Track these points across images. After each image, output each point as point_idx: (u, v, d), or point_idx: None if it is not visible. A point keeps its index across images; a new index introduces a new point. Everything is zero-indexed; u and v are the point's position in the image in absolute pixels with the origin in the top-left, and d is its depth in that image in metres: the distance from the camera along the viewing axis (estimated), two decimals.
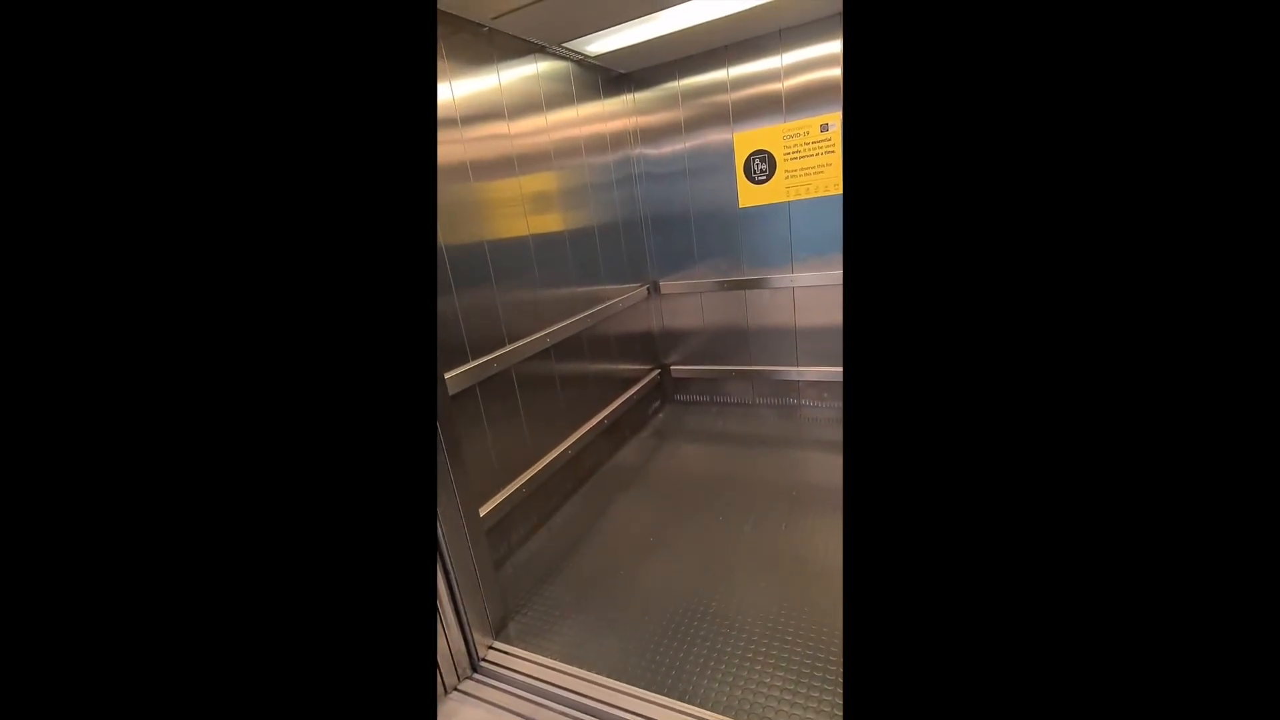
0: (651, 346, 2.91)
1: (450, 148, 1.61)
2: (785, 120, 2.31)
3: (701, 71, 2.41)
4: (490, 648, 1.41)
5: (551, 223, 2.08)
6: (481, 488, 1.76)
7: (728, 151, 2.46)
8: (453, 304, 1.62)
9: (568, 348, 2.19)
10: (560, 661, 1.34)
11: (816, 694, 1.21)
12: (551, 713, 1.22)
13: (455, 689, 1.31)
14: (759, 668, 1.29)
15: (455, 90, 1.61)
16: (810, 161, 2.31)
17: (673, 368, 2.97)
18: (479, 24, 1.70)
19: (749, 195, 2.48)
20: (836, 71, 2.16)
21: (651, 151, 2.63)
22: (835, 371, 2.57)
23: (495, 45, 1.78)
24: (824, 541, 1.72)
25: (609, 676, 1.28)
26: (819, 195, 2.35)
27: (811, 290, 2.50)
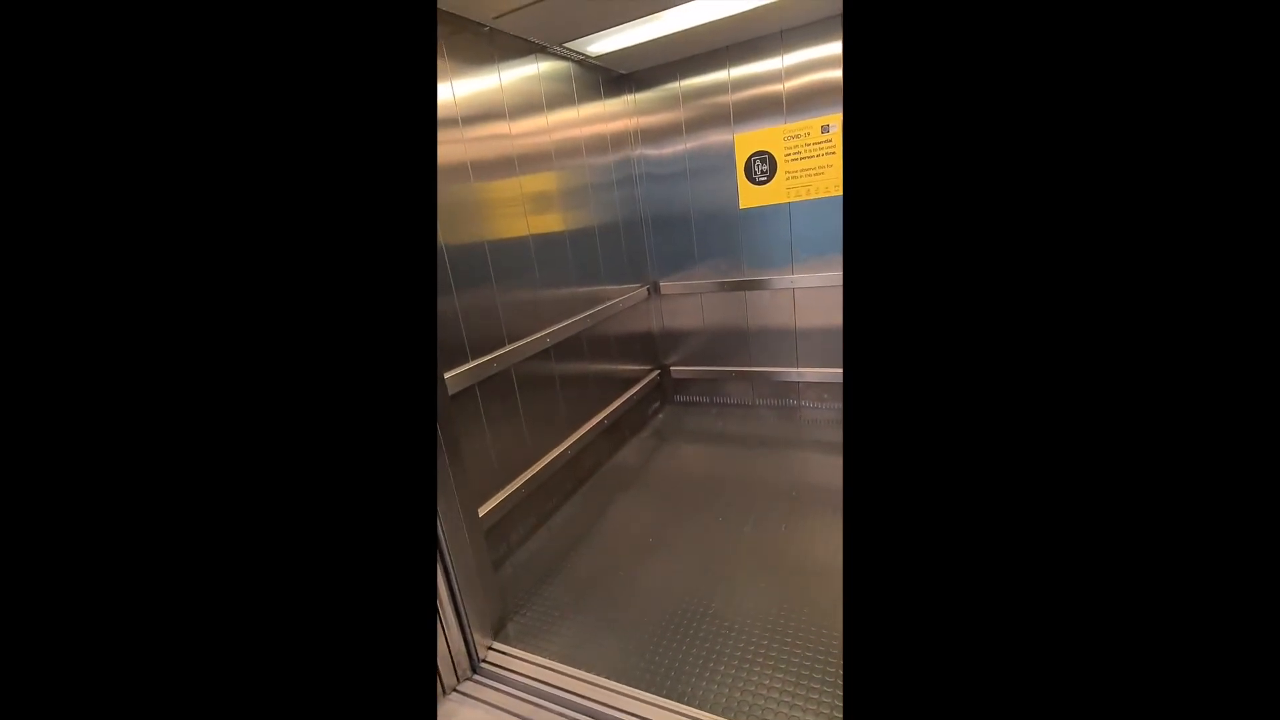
0: (651, 347, 2.91)
1: (451, 147, 1.61)
2: (786, 121, 2.31)
3: (703, 72, 2.41)
4: (490, 648, 1.40)
5: (552, 223, 2.08)
6: (480, 488, 1.75)
7: (728, 152, 2.46)
8: (453, 304, 1.62)
9: (568, 348, 2.18)
10: (559, 662, 1.34)
11: (816, 695, 1.21)
12: (552, 714, 1.22)
13: (455, 689, 1.31)
14: (758, 669, 1.29)
15: (456, 90, 1.61)
16: (811, 163, 2.31)
17: (673, 368, 2.97)
18: (480, 24, 1.70)
19: (750, 196, 2.48)
20: (838, 73, 2.16)
21: (652, 152, 2.63)
22: (835, 373, 2.57)
23: (496, 45, 1.78)
24: (824, 542, 1.71)
25: (608, 677, 1.28)
26: (820, 196, 2.35)
27: (812, 291, 2.50)
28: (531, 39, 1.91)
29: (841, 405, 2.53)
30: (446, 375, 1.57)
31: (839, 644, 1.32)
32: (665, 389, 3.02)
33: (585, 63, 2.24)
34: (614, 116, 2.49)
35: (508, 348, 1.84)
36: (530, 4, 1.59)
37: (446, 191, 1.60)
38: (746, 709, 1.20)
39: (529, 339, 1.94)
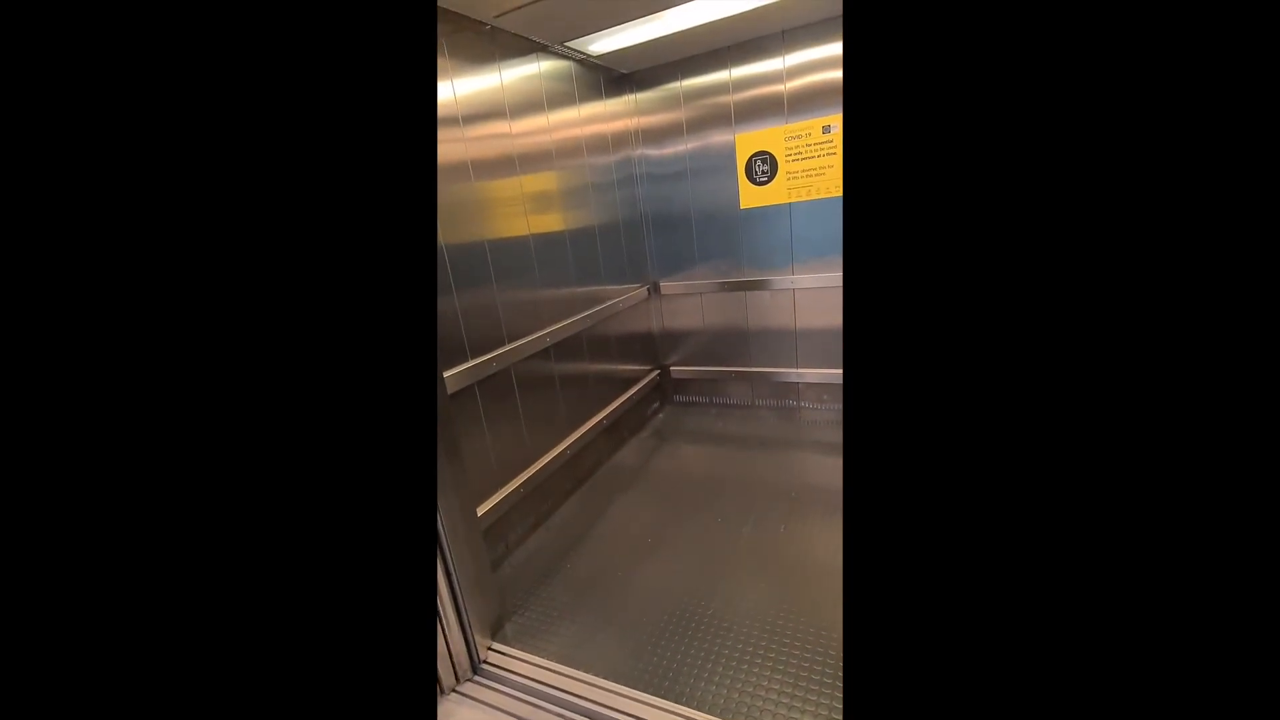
0: (651, 347, 2.91)
1: (451, 146, 1.61)
2: (787, 122, 2.31)
3: (704, 72, 2.40)
4: (490, 649, 1.40)
5: (552, 222, 2.08)
6: (479, 487, 1.75)
7: (729, 152, 2.46)
8: (452, 303, 1.62)
9: (567, 347, 2.18)
10: (558, 663, 1.33)
11: (814, 697, 1.20)
12: (551, 715, 1.22)
13: (455, 689, 1.31)
14: (757, 670, 1.29)
15: (457, 89, 1.61)
16: (812, 163, 2.31)
17: (672, 368, 2.97)
18: (481, 22, 1.70)
19: (750, 196, 2.48)
20: (840, 73, 2.15)
21: (653, 152, 2.62)
22: (835, 373, 2.57)
23: (497, 44, 1.78)
24: (823, 543, 1.71)
25: (606, 678, 1.27)
26: (821, 197, 2.35)
27: (812, 292, 2.50)
28: (532, 38, 1.91)
29: (841, 406, 2.53)
30: (446, 374, 1.57)
31: (837, 645, 1.32)
32: (665, 389, 3.02)
33: (586, 62, 2.24)
34: (615, 116, 2.49)
35: (507, 347, 1.84)
36: (531, 2, 1.59)
37: (447, 191, 1.60)
38: (745, 710, 1.19)
39: (528, 338, 1.94)
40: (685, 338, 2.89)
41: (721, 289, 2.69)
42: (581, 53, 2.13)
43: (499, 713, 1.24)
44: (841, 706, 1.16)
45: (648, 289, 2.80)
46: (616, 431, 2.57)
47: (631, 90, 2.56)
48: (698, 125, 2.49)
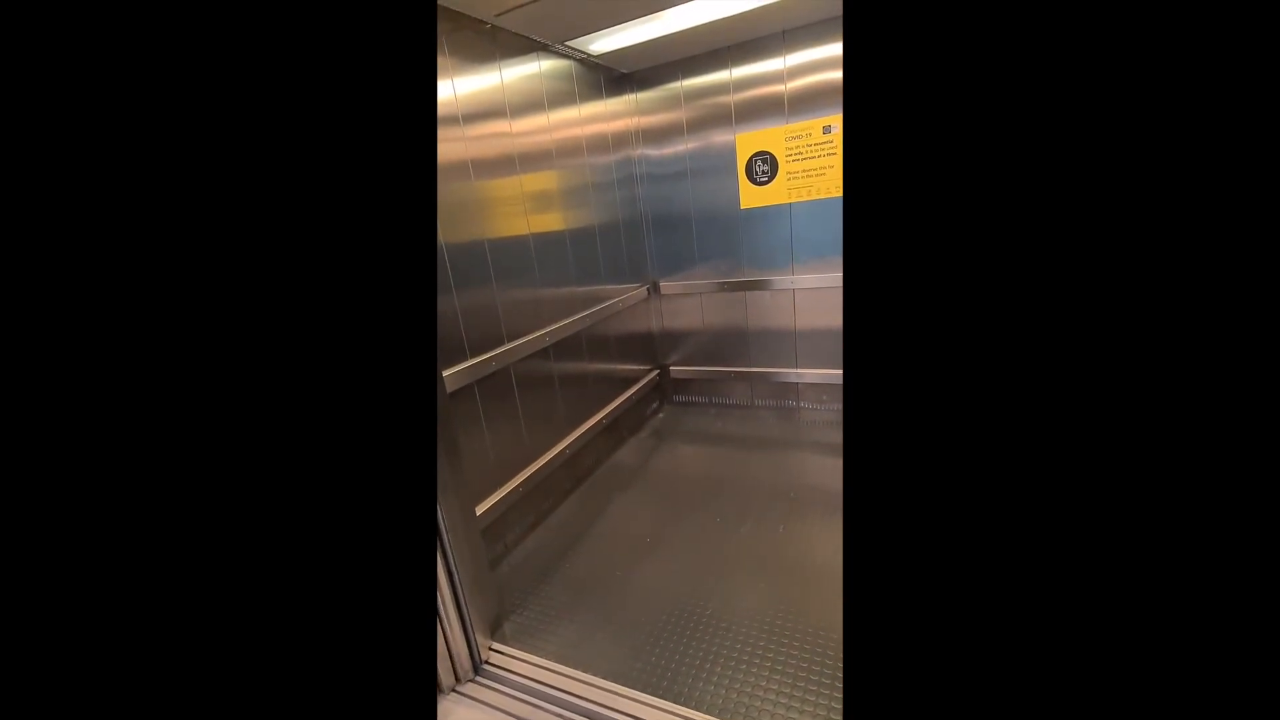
0: (651, 347, 2.91)
1: (451, 145, 1.61)
2: (788, 122, 2.31)
3: (704, 72, 2.40)
4: (491, 649, 1.40)
5: (552, 222, 2.08)
6: (478, 486, 1.75)
7: (729, 152, 2.46)
8: (452, 303, 1.62)
9: (567, 347, 2.18)
10: (556, 662, 1.33)
11: (813, 697, 1.20)
12: (550, 715, 1.22)
13: (456, 689, 1.31)
14: (755, 670, 1.29)
15: (457, 88, 1.61)
16: (813, 163, 2.31)
17: (672, 368, 2.97)
18: (481, 21, 1.70)
19: (751, 196, 2.48)
20: (839, 73, 2.15)
21: (653, 152, 2.62)
22: (835, 374, 2.57)
23: (498, 43, 1.77)
24: (822, 544, 1.71)
25: (605, 678, 1.27)
26: (821, 197, 2.34)
27: (812, 292, 2.50)
28: (533, 37, 1.91)
29: (841, 406, 2.53)
30: (445, 373, 1.57)
31: (836, 646, 1.32)
32: (664, 389, 3.02)
33: (587, 61, 2.24)
34: (615, 116, 2.49)
35: (507, 346, 1.84)
36: (531, 1, 1.59)
37: (447, 190, 1.60)
38: (743, 710, 1.19)
39: (528, 338, 1.94)
40: (685, 338, 2.89)
41: (721, 289, 2.69)
42: (582, 52, 2.13)
43: (499, 713, 1.24)
44: (840, 707, 1.16)
45: (647, 289, 2.80)
46: (616, 431, 2.57)
47: (632, 90, 2.56)
48: (698, 125, 2.49)
